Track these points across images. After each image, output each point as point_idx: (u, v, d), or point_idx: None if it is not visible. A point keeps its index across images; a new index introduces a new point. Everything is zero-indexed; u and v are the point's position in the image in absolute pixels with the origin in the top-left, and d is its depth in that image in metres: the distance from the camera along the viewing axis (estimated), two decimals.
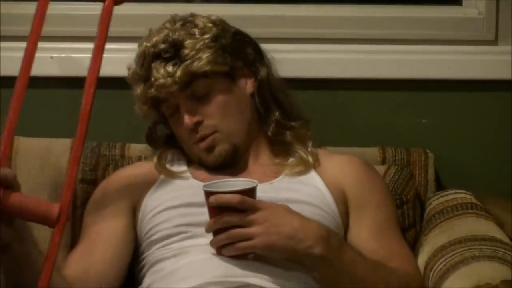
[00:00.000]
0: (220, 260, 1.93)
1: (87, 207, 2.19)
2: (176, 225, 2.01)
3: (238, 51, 2.15)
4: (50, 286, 1.73)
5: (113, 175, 2.23)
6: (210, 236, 1.94)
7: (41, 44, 1.67)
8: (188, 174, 2.12)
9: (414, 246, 2.27)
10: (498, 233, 2.16)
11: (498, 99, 2.51)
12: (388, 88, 2.48)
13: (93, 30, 1.75)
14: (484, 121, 2.51)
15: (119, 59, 2.14)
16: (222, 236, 1.86)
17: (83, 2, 2.44)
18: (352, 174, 2.14)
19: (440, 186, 2.44)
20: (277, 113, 2.13)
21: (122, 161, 2.35)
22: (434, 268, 2.05)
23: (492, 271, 1.91)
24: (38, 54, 1.66)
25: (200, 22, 2.09)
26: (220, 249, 1.92)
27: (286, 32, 2.45)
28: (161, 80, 2.04)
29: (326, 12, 2.48)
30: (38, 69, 1.70)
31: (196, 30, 2.07)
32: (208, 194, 1.88)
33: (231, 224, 1.86)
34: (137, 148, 2.36)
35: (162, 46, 2.05)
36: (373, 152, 2.40)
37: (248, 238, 1.86)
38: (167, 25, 2.10)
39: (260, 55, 2.23)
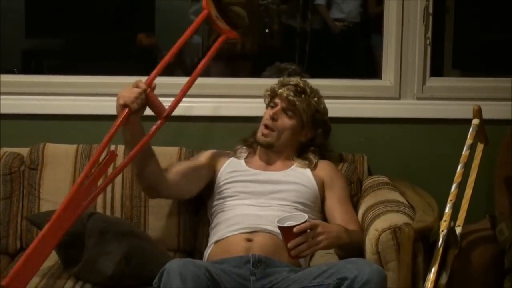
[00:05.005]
0: (251, 215, 2.55)
1: (205, 152, 2.79)
2: (233, 191, 2.67)
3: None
4: (145, 152, 2.36)
5: (213, 149, 2.82)
6: (249, 199, 2.57)
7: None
8: (243, 163, 2.77)
9: (356, 204, 2.82)
10: (400, 198, 2.70)
11: (403, 127, 3.15)
12: (342, 121, 3.08)
13: None
14: (391, 137, 3.16)
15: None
16: (303, 246, 2.30)
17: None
18: (328, 170, 2.81)
19: (370, 173, 3.03)
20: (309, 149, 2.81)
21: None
22: (368, 216, 2.60)
23: (397, 218, 2.46)
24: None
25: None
26: (298, 254, 2.29)
27: None
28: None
29: (320, 82, 3.04)
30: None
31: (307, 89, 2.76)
32: (283, 228, 2.29)
33: (307, 239, 2.30)
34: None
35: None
36: (337, 155, 3.02)
37: (317, 243, 2.34)
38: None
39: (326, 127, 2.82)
